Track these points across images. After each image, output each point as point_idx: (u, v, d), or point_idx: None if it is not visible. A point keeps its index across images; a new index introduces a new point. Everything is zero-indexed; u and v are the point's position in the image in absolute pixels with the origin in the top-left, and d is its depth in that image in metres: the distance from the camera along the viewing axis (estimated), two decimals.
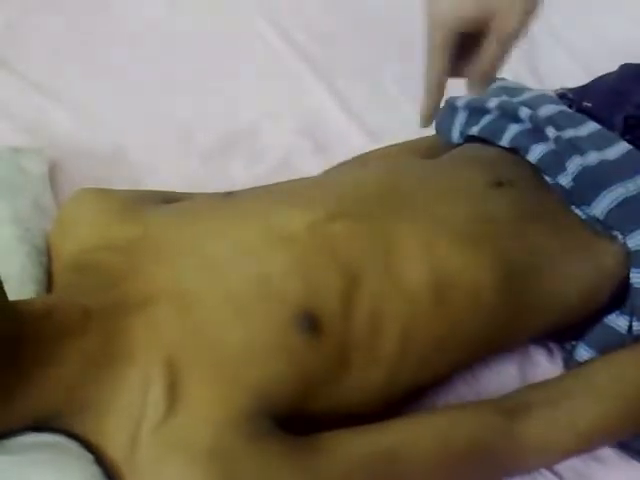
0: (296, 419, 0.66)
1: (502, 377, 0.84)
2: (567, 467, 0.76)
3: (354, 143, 1.12)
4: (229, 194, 0.83)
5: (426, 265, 0.73)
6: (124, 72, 1.21)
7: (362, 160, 1.01)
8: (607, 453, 0.77)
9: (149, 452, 0.62)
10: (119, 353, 0.65)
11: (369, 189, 0.80)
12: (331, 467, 0.64)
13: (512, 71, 1.24)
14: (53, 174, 1.02)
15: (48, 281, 0.80)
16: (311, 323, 0.68)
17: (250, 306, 0.69)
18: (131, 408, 0.63)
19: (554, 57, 1.29)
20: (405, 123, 1.15)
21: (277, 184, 0.87)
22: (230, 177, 1.07)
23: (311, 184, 0.85)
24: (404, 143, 1.04)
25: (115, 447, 0.64)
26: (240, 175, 1.08)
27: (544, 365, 0.85)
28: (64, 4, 1.31)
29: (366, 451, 0.65)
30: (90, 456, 0.64)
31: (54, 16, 1.28)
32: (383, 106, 1.20)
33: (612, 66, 1.02)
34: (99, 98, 1.16)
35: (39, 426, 0.64)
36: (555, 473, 0.76)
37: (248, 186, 0.90)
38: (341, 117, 1.18)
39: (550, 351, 0.87)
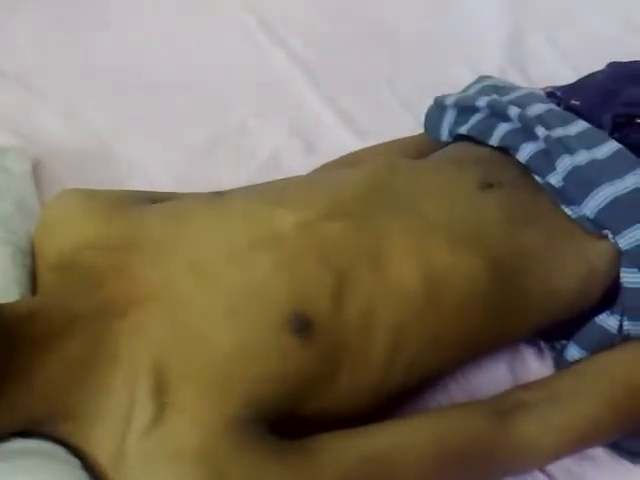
0: (288, 422, 0.65)
1: (493, 377, 0.84)
2: (558, 466, 0.76)
3: (343, 142, 1.12)
4: (218, 194, 0.82)
5: (416, 264, 0.73)
6: (110, 70, 1.20)
7: (350, 159, 1.01)
8: (598, 452, 0.78)
9: (137, 457, 0.61)
10: (106, 357, 0.64)
11: (359, 189, 0.80)
12: (323, 470, 0.63)
13: (500, 70, 1.25)
14: (37, 173, 1.00)
15: (32, 283, 0.78)
16: (302, 324, 0.67)
17: (240, 307, 0.68)
18: (118, 413, 0.62)
19: (541, 55, 1.29)
20: (394, 122, 1.16)
21: (266, 184, 0.86)
22: (218, 177, 1.06)
23: (300, 184, 0.84)
24: (392, 142, 1.04)
25: (102, 452, 0.63)
26: (228, 175, 1.06)
27: (534, 365, 0.85)
28: (50, 1, 1.29)
29: (358, 454, 0.65)
30: (77, 461, 0.63)
31: (39, 13, 1.27)
32: (372, 105, 1.19)
33: (599, 65, 1.02)
34: (84, 96, 1.15)
35: (25, 432, 0.63)
36: (546, 473, 0.76)
37: (236, 186, 0.89)
38: (330, 117, 1.17)
39: (540, 350, 0.86)
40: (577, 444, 0.74)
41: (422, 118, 1.02)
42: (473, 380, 0.83)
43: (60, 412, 0.63)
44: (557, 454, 0.74)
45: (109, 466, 0.62)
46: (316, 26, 1.31)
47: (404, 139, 1.04)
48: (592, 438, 0.75)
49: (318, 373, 0.67)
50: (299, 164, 1.06)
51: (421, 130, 1.04)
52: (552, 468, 0.76)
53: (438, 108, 0.99)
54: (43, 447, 0.63)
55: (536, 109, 0.88)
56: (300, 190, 0.81)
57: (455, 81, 1.12)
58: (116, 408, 0.63)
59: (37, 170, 1.00)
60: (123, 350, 0.65)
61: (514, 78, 1.20)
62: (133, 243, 0.73)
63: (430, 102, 1.02)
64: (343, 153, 1.04)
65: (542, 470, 0.76)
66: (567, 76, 1.14)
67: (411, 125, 1.11)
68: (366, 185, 0.81)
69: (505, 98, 0.92)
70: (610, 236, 0.79)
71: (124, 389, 0.63)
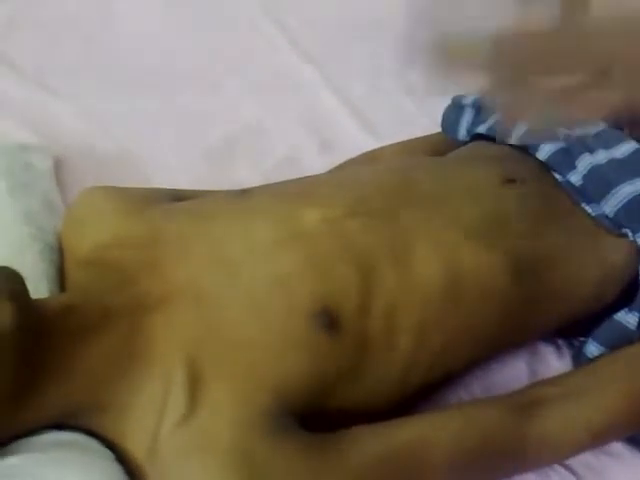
0: (315, 415, 0.66)
1: (512, 372, 0.84)
2: (579, 461, 0.77)
3: (359, 141, 1.12)
4: (242, 192, 0.83)
5: (440, 261, 0.74)
6: (127, 70, 1.20)
7: (370, 157, 1.02)
8: (618, 447, 0.78)
9: (171, 450, 0.62)
10: (139, 352, 0.65)
11: (382, 186, 0.81)
12: (350, 463, 0.64)
13: None
14: (58, 172, 1.01)
15: (60, 279, 0.79)
16: (329, 320, 0.68)
17: (268, 304, 0.69)
18: (152, 407, 0.64)
19: None
20: (409, 122, 1.16)
21: (289, 182, 0.87)
22: (236, 176, 1.07)
23: (323, 182, 0.85)
24: (411, 140, 1.05)
25: (136, 445, 0.64)
26: (246, 174, 1.07)
27: (553, 362, 0.86)
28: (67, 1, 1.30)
29: (383, 448, 0.66)
30: (111, 454, 0.64)
31: (57, 12, 1.28)
32: (387, 105, 1.20)
33: None
34: (102, 96, 1.16)
35: (60, 424, 0.65)
36: (567, 467, 0.77)
37: (254, 184, 0.90)
38: (346, 116, 1.17)
39: (559, 348, 0.87)
40: (597, 439, 0.74)
41: (437, 117, 1.03)
42: (492, 376, 0.84)
43: (94, 405, 0.64)
44: (577, 449, 0.75)
45: (142, 458, 0.63)
46: (332, 26, 1.32)
47: (421, 138, 1.05)
48: (612, 433, 0.76)
49: (345, 368, 0.68)
50: (315, 163, 1.07)
51: (436, 129, 1.05)
52: (572, 462, 0.77)
53: (456, 107, 1.00)
54: (77, 439, 0.64)
55: None
56: (323, 188, 0.82)
57: None
58: (149, 401, 0.64)
59: (58, 169, 1.01)
60: (155, 345, 0.66)
61: None
62: (161, 240, 0.74)
63: (445, 102, 1.02)
64: (359, 152, 1.05)
65: (562, 464, 0.77)
66: None
67: (425, 124, 1.12)
68: (389, 182, 0.82)
69: None
70: (629, 234, 0.81)
71: (157, 383, 0.64)
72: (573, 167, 0.83)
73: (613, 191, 0.80)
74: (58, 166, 1.02)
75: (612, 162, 0.82)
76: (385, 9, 1.37)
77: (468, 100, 0.98)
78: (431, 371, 0.74)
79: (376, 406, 0.71)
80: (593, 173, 0.82)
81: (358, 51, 1.28)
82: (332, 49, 1.27)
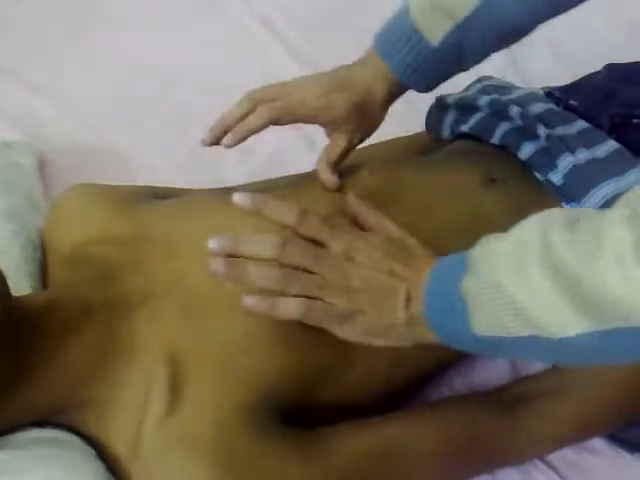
0: (301, 411, 0.67)
1: (494, 370, 0.85)
2: (558, 456, 0.78)
3: None
4: (227, 190, 0.83)
5: None
6: (113, 68, 1.21)
7: (354, 156, 1.02)
8: (597, 443, 0.79)
9: (153, 447, 0.62)
10: (121, 348, 0.66)
11: (364, 186, 0.81)
12: (333, 462, 0.64)
13: (498, 69, 1.26)
14: (42, 169, 1.01)
15: (43, 276, 0.79)
16: None
17: None
18: (134, 403, 0.64)
19: (539, 56, 1.31)
20: (395, 120, 1.17)
21: (274, 180, 0.87)
22: (221, 173, 1.07)
23: (308, 180, 0.85)
24: (394, 140, 1.05)
25: (118, 442, 0.64)
26: (231, 172, 1.08)
27: None
28: None
29: (367, 446, 0.66)
30: (92, 451, 0.65)
31: (39, 8, 1.27)
32: None
33: (597, 66, 1.04)
34: (86, 92, 1.16)
35: (41, 421, 0.65)
36: (546, 462, 0.78)
37: (240, 182, 0.90)
38: None
39: None
40: (581, 435, 0.76)
41: (423, 116, 1.04)
42: (476, 375, 0.85)
43: (77, 401, 0.65)
44: (559, 444, 0.76)
45: (125, 455, 0.63)
46: (317, 24, 1.32)
47: (406, 137, 1.06)
48: (593, 429, 0.77)
49: (330, 365, 0.69)
50: (301, 161, 1.07)
51: (421, 128, 1.06)
52: (552, 458, 0.78)
53: (439, 107, 1.00)
54: (58, 436, 0.64)
55: (536, 108, 0.89)
56: (307, 187, 0.82)
57: (454, 80, 1.14)
58: (132, 398, 0.64)
59: (42, 166, 1.01)
60: (139, 341, 0.66)
61: (512, 78, 1.22)
62: (145, 238, 0.74)
63: (430, 100, 1.03)
64: None
65: (543, 460, 0.78)
66: (565, 77, 1.16)
67: (411, 123, 1.12)
68: (371, 183, 0.82)
69: (506, 97, 0.94)
70: None
71: (140, 380, 0.64)
72: (554, 166, 0.84)
73: (593, 191, 0.81)
74: (42, 164, 1.02)
75: (593, 161, 0.83)
76: (376, 10, 1.38)
77: (451, 99, 0.98)
78: (418, 364, 0.75)
79: (363, 401, 0.71)
80: (574, 172, 0.83)
81: (345, 49, 1.28)
82: (320, 46, 1.28)
